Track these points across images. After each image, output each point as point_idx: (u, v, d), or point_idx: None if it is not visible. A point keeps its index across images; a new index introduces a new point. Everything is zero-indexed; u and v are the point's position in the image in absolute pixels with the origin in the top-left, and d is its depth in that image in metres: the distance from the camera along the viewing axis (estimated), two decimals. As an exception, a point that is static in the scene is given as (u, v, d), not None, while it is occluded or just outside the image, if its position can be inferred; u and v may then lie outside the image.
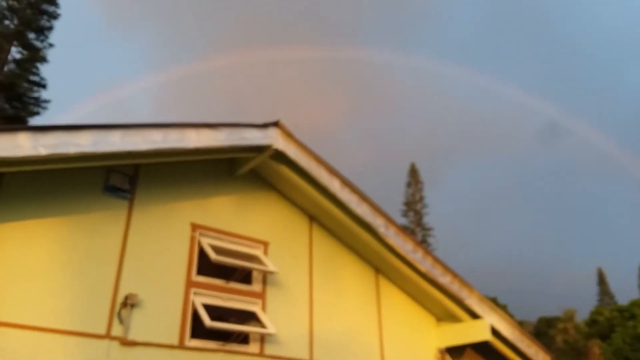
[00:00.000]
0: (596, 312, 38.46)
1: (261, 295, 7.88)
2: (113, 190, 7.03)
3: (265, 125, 7.50)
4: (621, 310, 36.58)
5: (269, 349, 7.59)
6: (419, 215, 48.31)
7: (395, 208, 48.55)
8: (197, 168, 8.01)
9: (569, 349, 28.78)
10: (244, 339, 7.37)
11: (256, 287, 7.92)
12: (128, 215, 7.08)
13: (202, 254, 7.48)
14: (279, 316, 7.86)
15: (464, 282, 9.12)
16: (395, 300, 9.64)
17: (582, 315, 38.41)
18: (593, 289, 57.42)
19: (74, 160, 6.10)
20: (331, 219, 8.84)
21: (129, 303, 6.54)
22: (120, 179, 7.09)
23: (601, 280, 57.29)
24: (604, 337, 33.72)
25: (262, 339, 7.57)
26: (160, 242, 7.26)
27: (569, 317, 33.81)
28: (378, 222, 8.62)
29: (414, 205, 48.59)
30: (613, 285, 57.11)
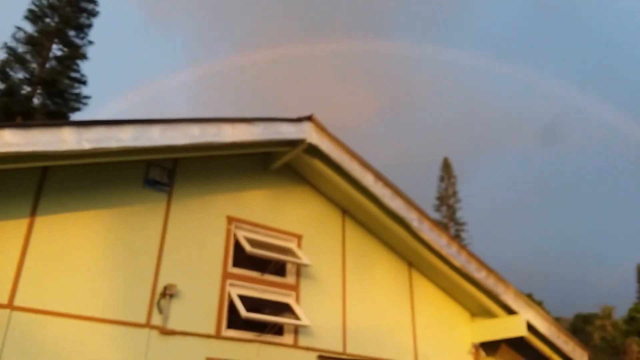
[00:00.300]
0: (635, 309, 37.28)
1: (295, 288, 7.98)
2: (152, 184, 7.22)
3: (299, 120, 7.56)
4: (662, 308, 35.36)
5: (303, 341, 7.69)
6: (452, 210, 47.74)
7: (427, 203, 48.09)
8: (233, 162, 8.14)
9: (606, 346, 28.05)
10: (278, 330, 7.49)
11: (290, 279, 8.02)
12: (167, 208, 7.26)
13: (238, 246, 7.62)
14: (313, 308, 7.94)
15: (500, 278, 9.00)
16: (428, 294, 9.59)
17: (621, 312, 37.34)
18: (632, 285, 55.79)
19: (116, 155, 6.29)
20: (364, 213, 8.85)
21: (168, 293, 6.72)
22: (159, 173, 7.28)
23: (641, 277, 55.53)
24: (644, 335, 32.68)
25: (296, 330, 7.67)
26: (197, 234, 7.42)
27: (607, 314, 32.91)
28: (411, 216, 8.58)
29: (447, 199, 48.02)
30: (654, 282, 55.26)
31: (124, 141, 6.08)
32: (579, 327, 37.24)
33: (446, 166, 49.05)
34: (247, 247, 7.35)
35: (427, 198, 48.70)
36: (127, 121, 6.15)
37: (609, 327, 31.28)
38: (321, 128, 7.80)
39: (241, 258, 7.61)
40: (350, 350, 8.12)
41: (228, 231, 7.64)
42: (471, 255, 9.00)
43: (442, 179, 48.76)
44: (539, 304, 36.26)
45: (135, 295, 6.59)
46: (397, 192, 8.54)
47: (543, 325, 9.10)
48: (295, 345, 7.61)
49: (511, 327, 9.00)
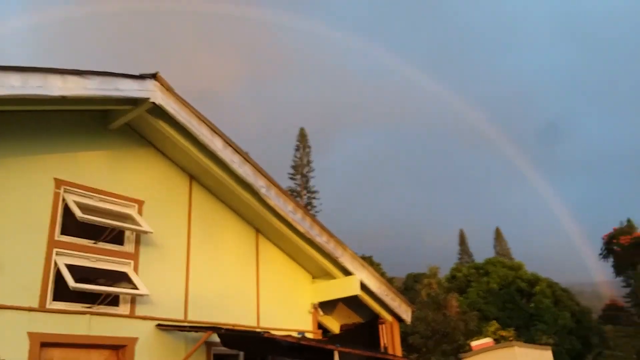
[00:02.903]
0: (455, 269, 42.70)
1: (133, 256, 7.59)
2: (-41, 139, 6.21)
3: (142, 77, 7.03)
4: (477, 267, 41.01)
5: (141, 310, 7.39)
6: (305, 179, 49.22)
7: (284, 172, 49.02)
8: (66, 119, 7.33)
9: (431, 302, 31.64)
10: (113, 300, 7.08)
11: (128, 247, 7.59)
12: (-21, 168, 6.33)
13: (68, 212, 6.96)
14: (153, 277, 7.64)
15: (339, 242, 9.57)
16: (274, 259, 9.85)
17: (445, 272, 42.49)
18: (456, 248, 63.70)
19: None
20: (212, 179, 8.68)
21: (-20, 264, 5.94)
22: (-32, 127, 6.28)
23: (462, 240, 63.55)
24: (462, 291, 37.68)
25: (133, 300, 7.34)
26: (19, 198, 6.62)
27: (433, 273, 37.04)
28: (260, 183, 8.64)
29: (301, 168, 49.31)
30: (472, 245, 63.81)
31: None
32: (410, 286, 41.54)
33: (302, 136, 50.21)
34: (78, 213, 6.75)
35: (285, 167, 49.63)
36: None
37: (434, 285, 35.20)
38: (167, 88, 7.37)
39: (72, 225, 6.98)
40: (193, 317, 8.03)
41: (56, 195, 6.92)
42: (314, 221, 9.41)
43: (297, 148, 49.87)
44: (377, 265, 39.56)
45: (-64, 268, 5.70)
46: (247, 159, 8.51)
47: (374, 285, 9.95)
48: (131, 315, 7.28)
49: (347, 287, 9.70)
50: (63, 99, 6.33)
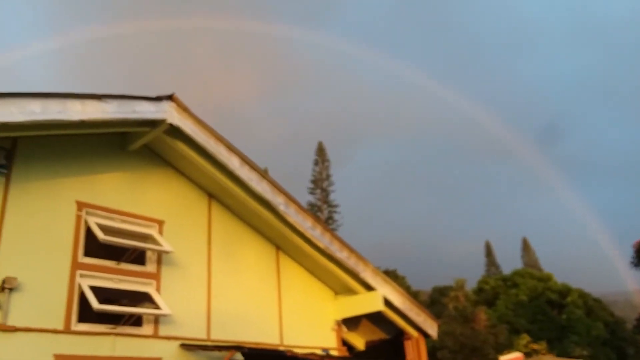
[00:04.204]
0: (483, 281, 41.96)
1: (156, 276, 7.63)
2: (-15, 166, 6.38)
3: (158, 99, 7.15)
4: (505, 279, 40.24)
5: (164, 330, 7.40)
6: (325, 193, 49.25)
7: (304, 186, 49.14)
8: (86, 142, 7.49)
9: (458, 316, 31.11)
10: (136, 320, 7.12)
11: (150, 267, 7.65)
12: (4, 193, 6.47)
13: (90, 234, 7.06)
14: (175, 296, 7.67)
15: (360, 257, 9.48)
16: (295, 276, 9.79)
17: (472, 284, 41.80)
18: (482, 260, 62.60)
19: None
20: (231, 197, 8.72)
21: (7, 287, 6.06)
22: (-7, 154, 6.44)
23: (488, 252, 62.44)
24: (490, 304, 36.96)
25: (157, 320, 7.36)
26: (42, 221, 6.74)
27: (460, 286, 36.50)
28: (278, 200, 8.65)
29: (321, 183, 49.41)
30: (499, 256, 62.64)
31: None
32: (436, 299, 40.93)
33: (320, 150, 50.34)
34: (100, 235, 6.84)
35: (305, 180, 49.73)
36: (-52, 93, 5.33)
37: (461, 298, 34.67)
38: (183, 108, 7.47)
39: (94, 247, 7.07)
40: (215, 336, 8.01)
41: (78, 218, 7.03)
42: (334, 236, 9.35)
43: (316, 162, 49.98)
44: (402, 279, 39.10)
45: (-36, 292, 5.82)
46: (264, 176, 8.54)
47: (398, 300, 9.80)
48: (155, 336, 7.30)
49: (370, 303, 9.57)
50: (82, 123, 6.46)
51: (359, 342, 10.78)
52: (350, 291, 9.86)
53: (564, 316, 34.96)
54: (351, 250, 9.37)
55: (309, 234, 8.93)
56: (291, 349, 8.68)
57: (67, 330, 6.48)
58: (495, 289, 39.06)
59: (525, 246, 61.77)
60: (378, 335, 10.72)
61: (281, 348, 8.75)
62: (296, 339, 9.12)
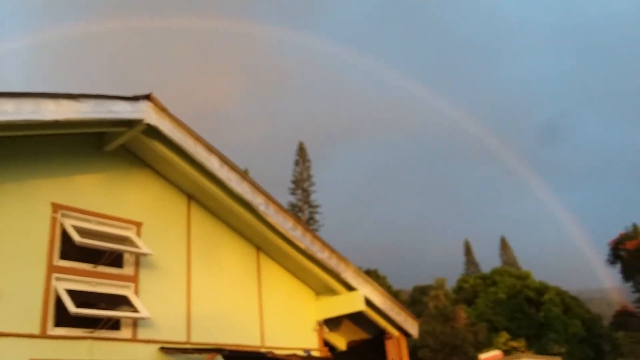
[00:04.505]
0: (462, 280, 42.42)
1: (134, 279, 7.51)
2: (-46, 167, 6.20)
3: (135, 98, 7.04)
4: (484, 277, 40.73)
5: (143, 333, 7.29)
6: (306, 193, 49.22)
7: (286, 187, 49.02)
8: (61, 143, 7.33)
9: (438, 315, 31.36)
10: (114, 324, 6.99)
11: (128, 270, 7.52)
12: (-25, 196, 6.31)
13: (66, 236, 6.91)
14: (154, 299, 7.56)
15: (341, 257, 9.48)
16: (275, 277, 9.75)
17: (452, 283, 42.19)
18: (461, 259, 63.29)
19: None
20: (210, 198, 8.63)
21: (-22, 292, 5.89)
22: (-37, 155, 6.27)
23: (467, 251, 63.20)
24: (470, 302, 37.37)
25: (135, 323, 7.24)
26: (16, 224, 6.57)
27: (440, 285, 36.79)
28: (258, 201, 8.59)
29: (302, 183, 49.35)
30: (478, 255, 63.40)
31: None
32: (417, 299, 41.24)
33: (301, 150, 50.34)
34: (76, 237, 6.70)
35: (286, 181, 49.65)
36: None
37: (441, 297, 34.94)
38: (161, 108, 7.37)
39: (70, 249, 6.92)
40: (195, 338, 7.92)
41: (53, 220, 6.88)
42: (315, 237, 9.33)
43: (297, 162, 49.96)
44: (383, 279, 39.31)
45: None
46: (244, 176, 8.48)
47: (379, 299, 9.82)
48: (133, 339, 7.18)
49: (351, 303, 9.57)
50: (57, 123, 6.33)
51: (340, 342, 10.78)
52: (331, 291, 9.86)
53: (541, 314, 35.52)
54: (332, 250, 9.37)
55: (290, 234, 8.90)
56: (272, 350, 8.63)
57: (43, 335, 6.33)
58: (475, 288, 39.52)
59: (504, 245, 62.69)
60: (359, 335, 10.74)
61: (262, 350, 8.70)
62: (277, 341, 9.08)
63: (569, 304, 36.65)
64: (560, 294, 37.24)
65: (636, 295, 35.81)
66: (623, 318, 37.82)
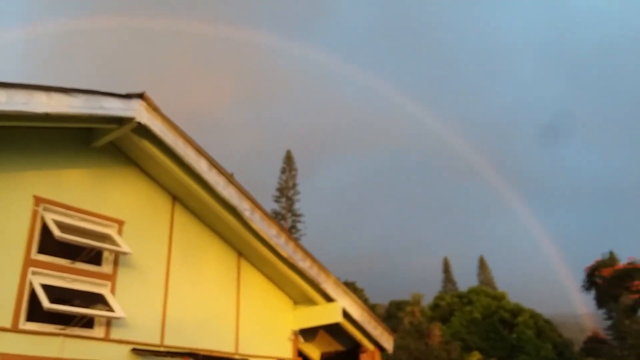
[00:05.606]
0: (439, 297, 42.60)
1: (111, 277, 7.42)
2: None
3: (128, 96, 7.01)
4: (460, 296, 40.97)
5: (116, 333, 7.20)
6: (290, 202, 49.16)
7: (270, 195, 48.92)
8: (49, 136, 7.25)
9: (413, 331, 31.44)
10: (88, 322, 6.90)
11: (106, 268, 7.44)
12: (-45, 183, 6.21)
13: (46, 230, 6.82)
14: (130, 299, 7.47)
15: (322, 267, 9.48)
16: (255, 283, 9.71)
17: (429, 299, 42.35)
18: (439, 276, 63.61)
19: None
20: (196, 201, 8.60)
21: (-50, 282, 5.78)
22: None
23: (446, 268, 63.56)
24: (445, 320, 37.51)
25: (109, 322, 7.15)
26: (-5, 215, 6.48)
27: (416, 301, 36.97)
28: (244, 206, 8.58)
29: (286, 191, 49.30)
30: (456, 273, 63.81)
31: None
32: (393, 313, 41.31)
33: (288, 158, 50.39)
34: (56, 232, 6.62)
35: (271, 189, 49.58)
36: None
37: (417, 313, 35.02)
38: (153, 107, 7.34)
39: (50, 244, 6.83)
40: (169, 341, 7.84)
41: (34, 213, 6.79)
42: (298, 245, 9.33)
43: (283, 170, 49.96)
44: (360, 291, 39.32)
45: None
46: (231, 180, 8.47)
47: (357, 312, 9.84)
48: (106, 339, 7.09)
49: (329, 314, 9.57)
50: (47, 116, 6.27)
51: (314, 353, 10.75)
52: (310, 301, 9.84)
53: (514, 335, 35.83)
54: (314, 260, 9.37)
55: (273, 241, 8.89)
56: (246, 357, 8.60)
57: (14, 329, 6.23)
58: (451, 306, 39.70)
59: (482, 264, 63.27)
60: (334, 347, 10.72)
61: (236, 357, 8.65)
62: (252, 348, 9.03)
63: (542, 327, 37.04)
64: (534, 316, 37.63)
65: (608, 322, 36.31)
66: (594, 344, 38.31)
